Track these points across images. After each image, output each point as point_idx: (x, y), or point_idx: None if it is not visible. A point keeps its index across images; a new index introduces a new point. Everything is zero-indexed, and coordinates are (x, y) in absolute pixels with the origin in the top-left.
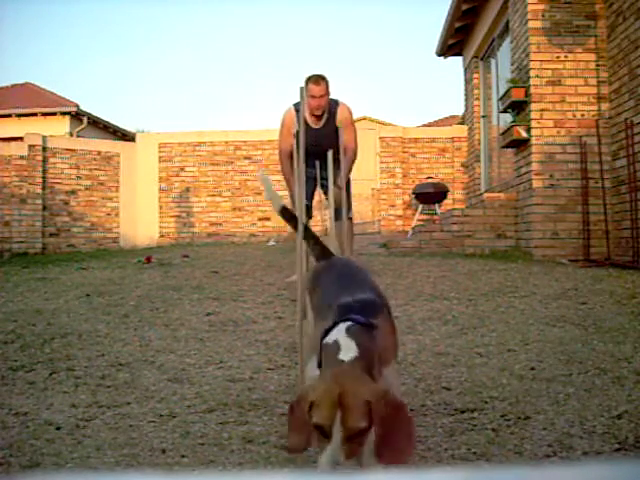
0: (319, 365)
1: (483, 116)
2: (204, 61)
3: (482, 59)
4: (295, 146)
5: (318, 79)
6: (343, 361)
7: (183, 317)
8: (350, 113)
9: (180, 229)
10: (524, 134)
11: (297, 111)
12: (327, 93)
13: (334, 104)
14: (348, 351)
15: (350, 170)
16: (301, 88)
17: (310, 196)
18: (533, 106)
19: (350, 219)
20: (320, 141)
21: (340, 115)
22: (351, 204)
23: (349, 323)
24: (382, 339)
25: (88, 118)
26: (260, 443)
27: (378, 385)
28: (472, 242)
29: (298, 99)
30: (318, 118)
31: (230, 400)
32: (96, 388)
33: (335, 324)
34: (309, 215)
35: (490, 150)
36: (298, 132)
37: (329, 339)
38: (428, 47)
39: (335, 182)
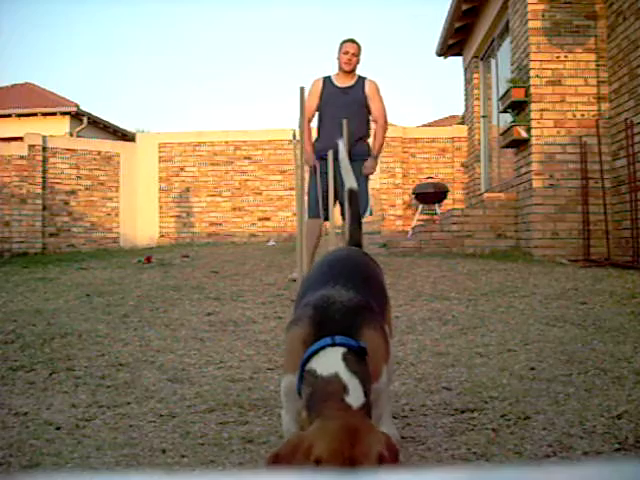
0: (301, 394)
1: (483, 116)
2: (204, 61)
3: (482, 59)
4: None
5: (354, 40)
6: (351, 407)
7: (183, 317)
8: (377, 88)
9: (180, 229)
10: (524, 134)
11: (325, 78)
12: (359, 56)
13: (362, 79)
14: (357, 396)
15: (383, 140)
16: (301, 88)
17: (325, 198)
18: (533, 106)
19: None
20: (344, 100)
21: (369, 87)
22: (368, 201)
23: (342, 350)
24: (370, 360)
25: (88, 118)
26: (260, 443)
27: (384, 433)
28: (472, 242)
29: (298, 99)
30: (346, 78)
31: (230, 400)
32: (96, 388)
33: (321, 347)
34: (326, 217)
35: (490, 150)
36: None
37: (321, 369)
38: (428, 47)
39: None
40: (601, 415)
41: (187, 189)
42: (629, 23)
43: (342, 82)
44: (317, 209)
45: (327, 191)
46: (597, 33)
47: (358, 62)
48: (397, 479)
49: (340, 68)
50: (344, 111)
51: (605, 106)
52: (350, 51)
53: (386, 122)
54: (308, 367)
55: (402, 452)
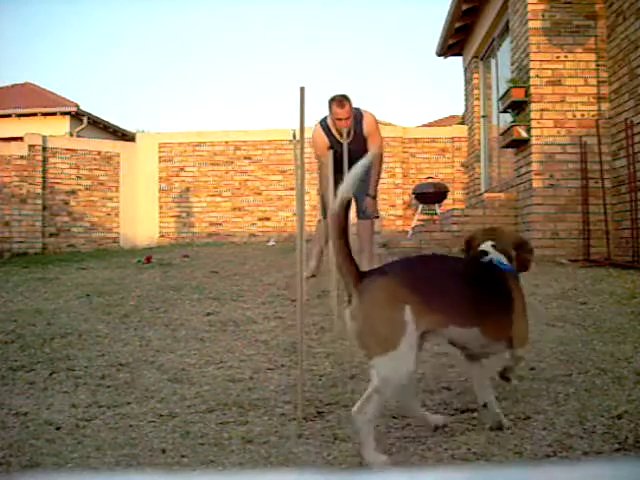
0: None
1: (483, 116)
2: (204, 61)
3: (482, 59)
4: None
5: (342, 101)
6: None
7: (183, 317)
8: (375, 122)
9: (180, 229)
10: (524, 134)
11: (324, 127)
12: (352, 112)
13: (358, 115)
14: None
15: (379, 176)
16: (301, 88)
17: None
18: (533, 106)
19: (369, 218)
20: (350, 154)
21: (367, 125)
22: (377, 206)
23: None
24: None
25: (88, 118)
26: (260, 443)
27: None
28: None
29: (298, 99)
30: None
31: (230, 400)
32: (96, 388)
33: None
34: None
35: (490, 150)
36: (331, 147)
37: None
38: (428, 47)
39: (366, 190)
40: (601, 415)
41: (187, 189)
42: (629, 23)
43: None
44: (325, 212)
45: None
46: (597, 33)
47: (353, 115)
48: (398, 479)
49: (338, 131)
50: (350, 156)
51: (605, 106)
52: (343, 117)
53: (382, 154)
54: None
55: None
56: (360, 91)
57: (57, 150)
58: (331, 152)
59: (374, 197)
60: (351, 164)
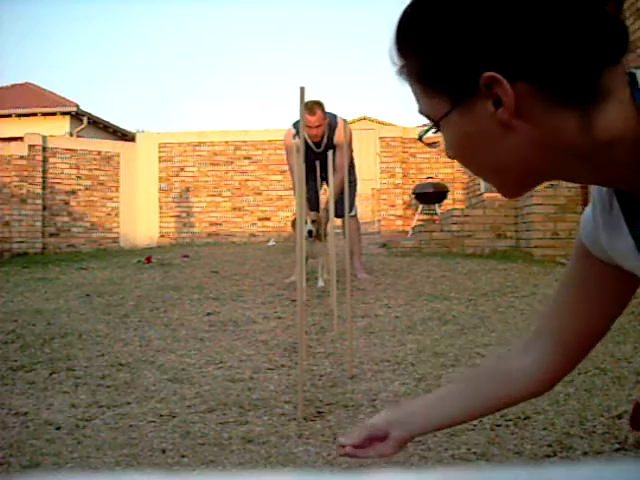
0: None
1: None
2: (205, 61)
3: None
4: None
5: (313, 108)
6: None
7: (183, 317)
8: (349, 132)
9: (180, 229)
10: None
11: (297, 132)
12: (324, 120)
13: (333, 122)
14: None
15: (340, 186)
16: (301, 88)
17: (316, 206)
18: None
19: (354, 216)
20: (321, 161)
21: (336, 137)
22: (354, 203)
23: None
24: None
25: (88, 118)
26: (260, 443)
27: None
28: (472, 242)
29: (298, 99)
30: (319, 140)
31: (230, 400)
32: (96, 388)
33: None
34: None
35: None
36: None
37: None
38: None
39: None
40: (601, 415)
41: (187, 189)
42: (629, 23)
43: (317, 146)
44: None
45: (317, 192)
46: None
47: (326, 122)
48: (397, 479)
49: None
50: (322, 164)
51: None
52: (313, 125)
53: (351, 165)
54: None
55: None
56: (360, 90)
57: (57, 150)
58: (302, 155)
59: (354, 215)
60: (324, 170)
